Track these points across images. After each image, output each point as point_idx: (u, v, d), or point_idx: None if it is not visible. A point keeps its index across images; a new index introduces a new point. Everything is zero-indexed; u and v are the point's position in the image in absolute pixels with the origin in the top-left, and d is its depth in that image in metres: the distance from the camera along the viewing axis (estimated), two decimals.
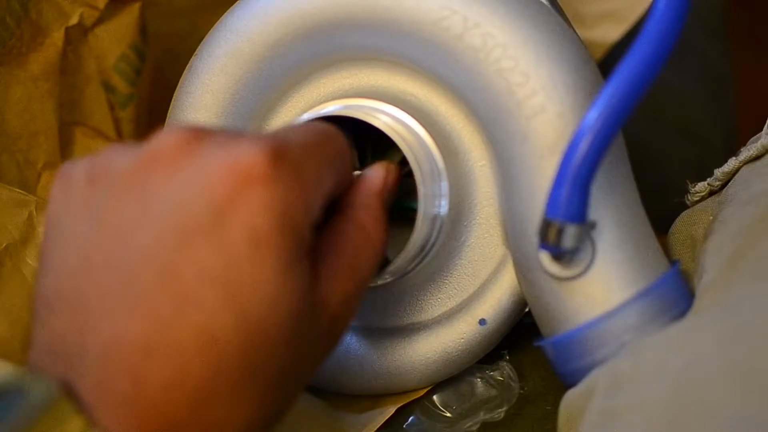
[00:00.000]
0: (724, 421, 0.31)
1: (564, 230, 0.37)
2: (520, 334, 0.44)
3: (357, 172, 0.40)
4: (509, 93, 0.40)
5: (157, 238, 0.32)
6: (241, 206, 0.32)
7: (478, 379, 0.44)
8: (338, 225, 0.37)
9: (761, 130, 0.42)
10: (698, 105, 0.59)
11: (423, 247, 0.41)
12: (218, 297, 0.31)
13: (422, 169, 0.40)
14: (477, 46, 0.40)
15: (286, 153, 0.33)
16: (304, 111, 0.43)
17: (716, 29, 0.61)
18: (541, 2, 0.42)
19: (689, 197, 0.44)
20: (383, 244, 0.37)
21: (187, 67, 0.44)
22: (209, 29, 0.45)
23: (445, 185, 0.41)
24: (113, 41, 0.49)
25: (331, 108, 0.41)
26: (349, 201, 0.38)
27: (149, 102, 0.51)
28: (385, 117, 0.41)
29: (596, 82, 0.40)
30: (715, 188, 0.43)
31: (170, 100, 0.49)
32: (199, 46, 0.44)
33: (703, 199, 0.44)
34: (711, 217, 0.42)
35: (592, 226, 0.38)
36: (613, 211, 0.39)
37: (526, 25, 0.40)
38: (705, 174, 0.44)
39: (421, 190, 0.40)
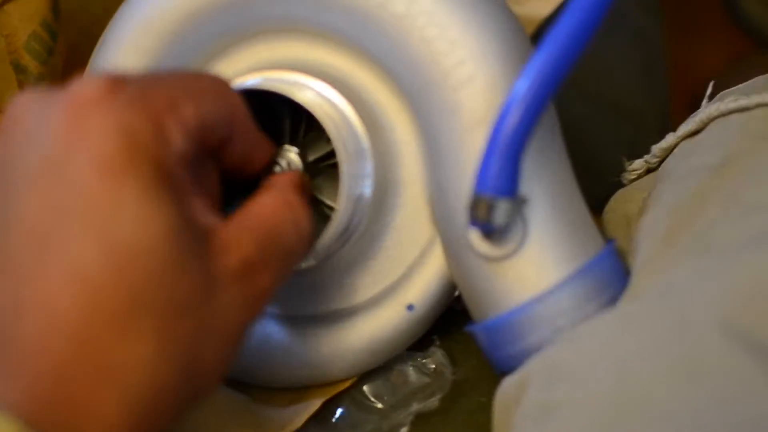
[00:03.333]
0: (670, 416, 0.29)
1: (494, 205, 0.35)
2: (451, 320, 0.41)
3: (291, 147, 0.38)
4: (434, 62, 0.37)
5: (16, 191, 0.29)
6: (80, 135, 0.29)
7: (410, 367, 0.41)
8: (260, 196, 0.34)
9: (693, 107, 0.40)
10: (630, 79, 0.57)
11: (346, 229, 0.38)
12: (78, 232, 0.29)
13: (346, 147, 0.37)
14: (400, 13, 0.37)
15: (124, 79, 0.30)
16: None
17: (650, 4, 0.58)
18: None
19: (625, 175, 0.42)
20: (308, 223, 0.35)
21: (98, 42, 0.41)
22: None
23: (370, 165, 0.38)
24: (23, 19, 0.45)
25: (251, 81, 0.38)
26: (272, 182, 0.35)
27: (61, 82, 0.48)
28: (308, 91, 0.38)
29: (526, 52, 0.37)
30: (653, 166, 0.41)
31: None
32: (111, 19, 0.41)
33: (639, 177, 0.41)
34: (646, 195, 0.39)
35: (524, 201, 0.36)
36: (546, 186, 0.36)
37: None
38: (638, 151, 0.42)
39: (345, 169, 0.37)
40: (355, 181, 0.38)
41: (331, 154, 0.38)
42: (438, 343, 0.41)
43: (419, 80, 0.37)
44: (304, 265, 0.38)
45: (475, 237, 0.36)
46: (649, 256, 0.35)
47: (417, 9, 0.37)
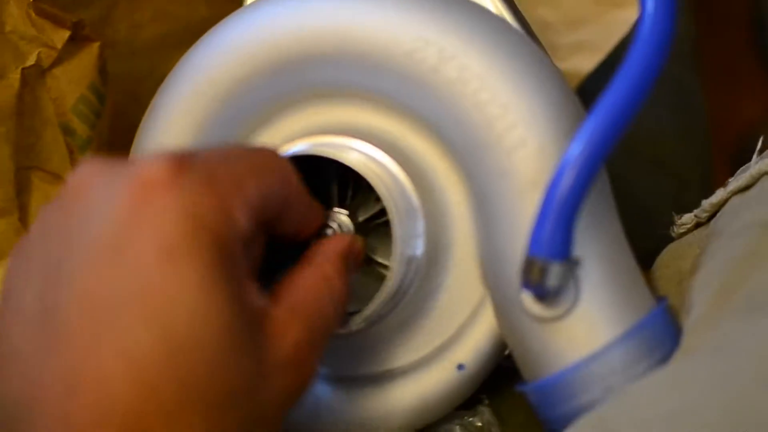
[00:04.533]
0: None
1: (547, 269, 0.34)
2: (499, 378, 0.40)
3: (340, 210, 0.38)
4: (487, 126, 0.37)
5: (73, 268, 0.29)
6: (145, 216, 0.29)
7: (457, 426, 0.41)
8: (301, 270, 0.34)
9: (735, 158, 0.39)
10: (673, 137, 0.57)
11: (398, 290, 0.38)
12: (134, 316, 0.28)
13: (397, 207, 0.37)
14: (453, 78, 0.37)
15: (191, 159, 0.30)
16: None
17: (687, 58, 0.58)
18: (519, 32, 0.39)
19: (674, 230, 0.42)
20: (345, 295, 0.35)
21: (148, 108, 0.41)
22: (168, 72, 0.42)
23: (421, 224, 0.38)
24: (72, 82, 0.46)
25: (299, 147, 0.38)
26: (314, 252, 0.35)
27: (108, 146, 0.48)
28: (356, 154, 0.38)
29: (577, 115, 0.37)
30: (702, 220, 0.40)
31: (130, 144, 0.46)
32: (161, 86, 0.41)
33: (689, 231, 0.41)
34: (698, 251, 0.39)
35: (577, 263, 0.35)
36: (598, 248, 0.36)
37: (504, 56, 0.37)
38: (681, 208, 0.42)
39: (397, 230, 0.37)
40: (407, 242, 0.37)
41: (382, 212, 0.38)
42: (486, 402, 0.41)
43: (471, 143, 0.37)
44: (354, 327, 0.38)
45: (527, 299, 0.36)
46: (702, 314, 0.35)
47: (469, 74, 0.37)
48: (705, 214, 0.40)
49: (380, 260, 0.39)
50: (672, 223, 0.42)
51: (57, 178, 0.46)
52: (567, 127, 0.36)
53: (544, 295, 0.35)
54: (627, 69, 0.33)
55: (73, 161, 0.46)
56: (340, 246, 0.36)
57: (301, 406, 0.40)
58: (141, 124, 0.41)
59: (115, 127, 0.48)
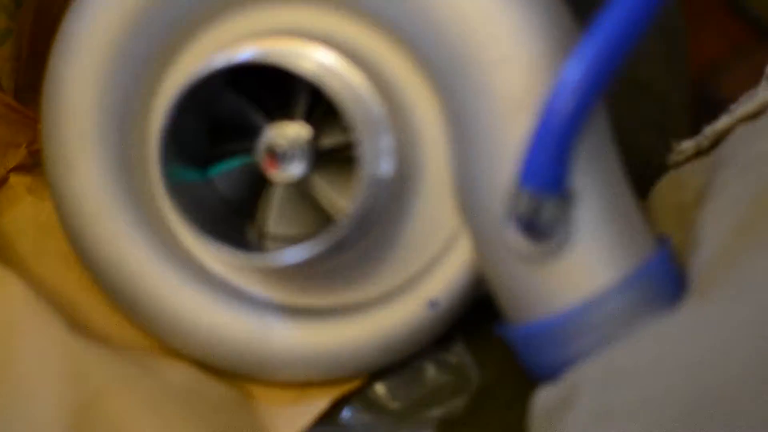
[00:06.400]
0: (746, 416, 0.26)
1: (540, 202, 0.30)
2: (474, 313, 0.36)
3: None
4: (467, 36, 0.31)
5: None
6: None
7: (430, 364, 0.36)
8: None
9: (713, 86, 0.35)
10: (656, 59, 0.52)
11: (364, 216, 0.33)
12: None
13: (358, 118, 0.32)
14: None
15: None
16: (218, 50, 0.33)
17: None
18: None
19: (672, 157, 0.37)
20: None
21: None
22: None
23: (388, 141, 0.33)
24: None
25: (249, 53, 0.32)
26: None
27: (30, 42, 0.42)
28: (313, 63, 0.33)
29: (569, 28, 0.32)
30: (704, 148, 0.36)
31: (52, 41, 0.39)
32: None
33: (688, 160, 0.36)
34: (701, 181, 0.34)
35: (572, 197, 0.31)
36: (594, 180, 0.31)
37: None
38: (666, 134, 0.38)
39: (363, 145, 0.32)
40: (375, 159, 0.32)
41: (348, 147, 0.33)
42: (461, 340, 0.37)
43: (449, 55, 0.32)
44: (309, 255, 0.33)
45: (513, 235, 0.31)
46: (719, 250, 0.31)
47: None
48: (707, 142, 0.36)
49: (335, 197, 0.34)
50: (658, 148, 0.38)
51: None
52: (558, 41, 0.31)
53: (533, 231, 0.31)
54: None
55: None
56: None
57: (249, 333, 0.35)
58: (65, 17, 0.35)
59: (35, 22, 0.42)
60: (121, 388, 0.33)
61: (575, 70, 0.29)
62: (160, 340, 0.36)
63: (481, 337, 0.36)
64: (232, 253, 0.33)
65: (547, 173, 0.30)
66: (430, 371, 0.36)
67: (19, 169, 0.39)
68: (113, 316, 0.36)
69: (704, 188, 0.34)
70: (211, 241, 0.33)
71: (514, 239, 0.31)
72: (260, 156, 0.34)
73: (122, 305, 0.36)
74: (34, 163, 0.40)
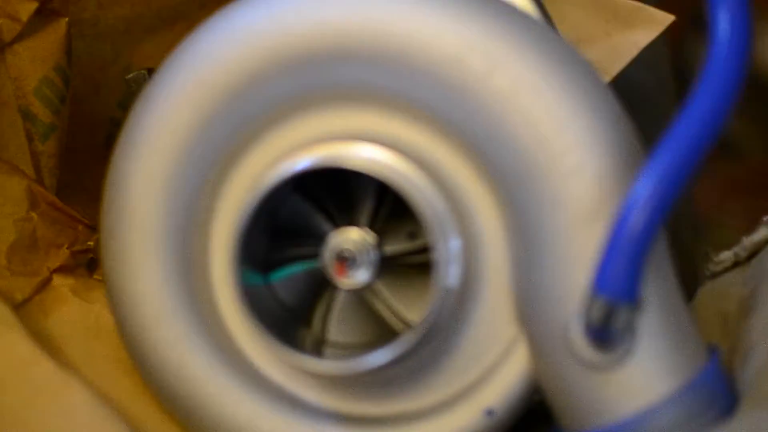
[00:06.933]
0: None
1: (613, 310, 0.31)
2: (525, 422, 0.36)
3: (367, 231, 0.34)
4: (540, 147, 0.32)
5: None
6: None
7: None
8: None
9: None
10: None
11: (431, 327, 0.33)
12: None
13: (432, 221, 0.32)
14: (503, 89, 0.32)
15: None
16: (282, 154, 0.34)
17: None
18: (568, 43, 0.34)
19: (710, 267, 0.38)
20: None
21: (139, 98, 0.35)
22: (134, 60, 0.39)
23: (456, 244, 0.33)
24: (36, 61, 0.39)
25: (325, 157, 0.32)
26: None
27: (66, 139, 0.42)
28: (384, 168, 0.33)
29: (633, 140, 0.33)
30: (741, 259, 0.37)
31: (89, 136, 0.40)
32: (156, 74, 0.35)
33: (726, 270, 0.38)
34: (744, 291, 0.36)
35: (642, 307, 0.31)
36: (658, 291, 0.32)
37: (559, 68, 0.33)
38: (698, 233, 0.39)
39: (439, 252, 0.32)
40: (446, 265, 0.33)
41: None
42: None
43: (518, 165, 0.33)
44: (375, 365, 0.33)
45: (579, 343, 0.32)
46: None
47: (522, 85, 0.32)
48: (745, 253, 0.37)
49: (397, 308, 0.34)
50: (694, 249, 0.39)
51: (14, 168, 0.39)
52: (626, 152, 0.32)
53: (602, 339, 0.31)
54: (700, 100, 0.30)
55: (32, 150, 0.40)
56: None
57: None
58: (130, 115, 0.35)
59: (71, 116, 0.42)
60: None
61: (649, 183, 0.30)
62: None
63: None
64: (304, 360, 0.33)
65: (623, 282, 0.30)
66: None
67: (62, 270, 0.39)
68: (167, 423, 0.36)
69: (748, 299, 0.35)
70: (283, 348, 0.33)
71: (580, 347, 0.32)
72: (327, 261, 0.34)
73: (179, 412, 0.35)
74: (76, 264, 0.40)
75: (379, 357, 0.32)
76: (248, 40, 0.34)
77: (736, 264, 0.38)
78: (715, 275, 0.38)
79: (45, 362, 0.34)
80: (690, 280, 0.39)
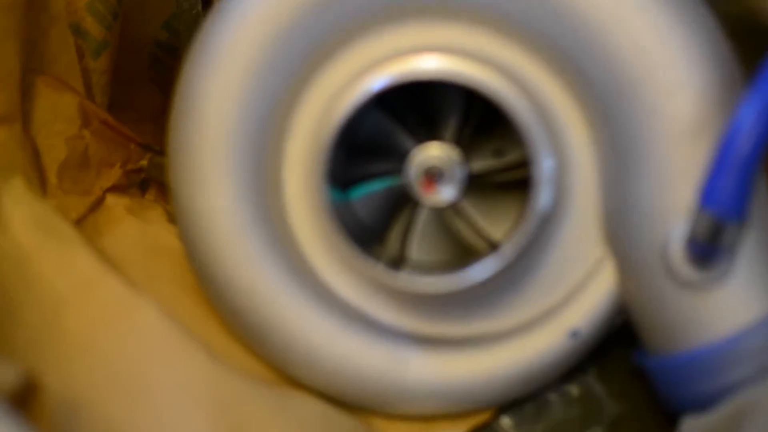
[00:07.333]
0: None
1: (720, 226, 0.29)
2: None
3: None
4: (642, 59, 0.31)
5: None
6: None
7: (553, 395, 0.35)
8: None
9: None
10: None
11: (528, 244, 0.31)
12: None
13: (534, 138, 0.31)
14: (604, 3, 0.31)
15: None
16: (362, 70, 0.32)
17: None
18: None
19: None
20: None
21: (211, 13, 0.33)
22: None
23: (550, 165, 0.32)
24: None
25: (405, 71, 0.31)
26: None
27: (117, 57, 0.40)
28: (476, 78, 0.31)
29: (732, 59, 0.32)
30: None
31: (133, 56, 0.39)
32: None
33: None
34: None
35: (747, 225, 0.30)
36: (758, 213, 0.31)
37: None
38: None
39: (536, 169, 0.31)
40: (543, 182, 0.31)
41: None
42: (592, 370, 0.36)
43: (616, 79, 0.31)
44: (461, 287, 0.31)
45: (679, 260, 0.31)
46: None
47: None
48: None
49: (482, 223, 0.33)
50: None
51: (64, 84, 0.37)
52: (728, 70, 0.31)
53: (705, 256, 0.30)
54: None
55: (83, 67, 0.38)
56: None
57: (380, 365, 0.33)
58: (203, 31, 0.33)
59: (124, 35, 0.40)
60: (262, 422, 0.31)
61: (762, 99, 0.29)
62: (290, 370, 0.34)
63: (613, 367, 0.36)
64: (391, 276, 0.31)
65: (732, 199, 0.29)
66: (556, 404, 0.35)
67: (114, 189, 0.37)
68: (233, 345, 0.34)
69: None
70: (369, 263, 0.31)
71: (679, 265, 0.31)
72: (413, 178, 0.33)
73: (250, 333, 0.34)
74: (129, 184, 0.38)
75: (470, 276, 0.31)
76: None
77: None
78: None
79: (111, 280, 0.32)
80: None
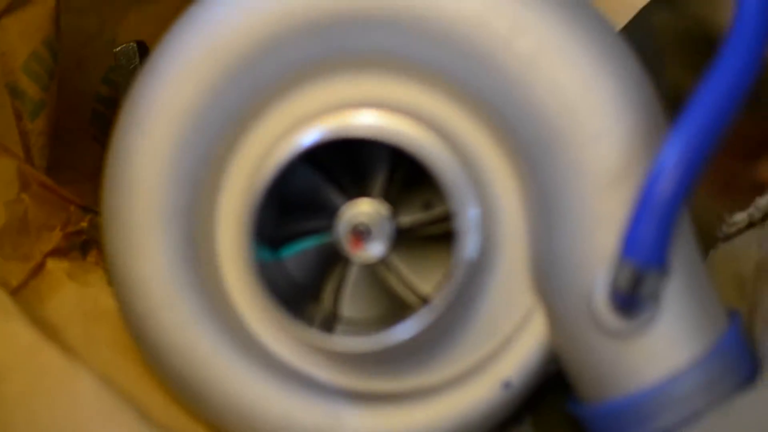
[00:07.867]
0: None
1: (641, 275, 0.30)
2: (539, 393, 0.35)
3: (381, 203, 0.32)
4: (566, 112, 0.31)
5: None
6: None
7: None
8: None
9: None
10: None
11: (455, 299, 0.32)
12: None
13: (455, 193, 0.31)
14: (527, 52, 0.31)
15: None
16: (292, 126, 0.32)
17: None
18: (590, 5, 0.33)
19: (724, 228, 0.37)
20: None
21: (146, 64, 0.33)
22: (119, 33, 0.37)
23: (475, 213, 0.32)
24: (24, 35, 0.37)
25: (333, 128, 0.31)
26: None
27: (56, 117, 0.40)
28: (400, 135, 0.32)
29: (656, 103, 0.32)
30: (756, 220, 0.36)
31: (73, 113, 0.39)
32: (161, 41, 0.33)
33: (740, 232, 0.37)
34: (759, 253, 0.35)
35: (669, 273, 0.30)
36: (681, 258, 0.31)
37: (583, 31, 0.32)
38: None
39: (462, 223, 0.31)
40: (466, 241, 0.32)
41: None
42: (528, 420, 0.36)
43: (540, 131, 0.31)
44: (391, 342, 0.32)
45: (603, 309, 0.31)
46: None
47: (547, 49, 0.31)
48: (759, 214, 0.36)
49: (411, 278, 0.33)
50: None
51: (2, 148, 0.37)
52: (650, 115, 0.31)
53: (627, 306, 0.30)
54: (727, 60, 0.29)
55: (20, 129, 0.38)
56: None
57: (321, 423, 0.33)
58: (138, 82, 0.33)
59: (61, 94, 0.40)
60: None
61: (678, 145, 0.29)
62: (228, 431, 0.34)
63: (548, 415, 0.36)
64: (321, 338, 0.31)
65: (653, 247, 0.29)
66: None
67: (55, 253, 0.37)
68: (171, 407, 0.34)
69: (765, 261, 0.34)
70: (298, 325, 0.31)
71: (603, 314, 0.31)
72: (341, 235, 0.33)
73: (187, 396, 0.34)
74: (70, 247, 0.38)
75: (401, 332, 0.31)
76: (256, 7, 0.32)
77: (751, 225, 0.37)
78: (728, 237, 0.37)
79: (48, 349, 0.32)
80: (702, 242, 0.38)
